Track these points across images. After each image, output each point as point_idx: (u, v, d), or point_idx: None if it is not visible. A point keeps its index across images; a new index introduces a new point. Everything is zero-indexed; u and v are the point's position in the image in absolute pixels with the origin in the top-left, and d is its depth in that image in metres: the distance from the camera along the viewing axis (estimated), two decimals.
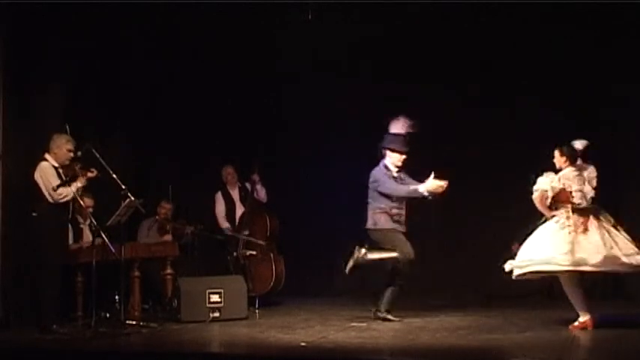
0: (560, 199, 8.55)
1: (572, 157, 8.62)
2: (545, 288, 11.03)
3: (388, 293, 9.11)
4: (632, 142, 10.60)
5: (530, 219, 11.07)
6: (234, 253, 10.60)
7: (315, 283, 11.19)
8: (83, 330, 8.55)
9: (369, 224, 9.21)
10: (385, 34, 10.79)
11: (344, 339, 8.08)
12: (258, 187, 10.78)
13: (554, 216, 8.53)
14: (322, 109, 11.22)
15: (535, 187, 8.57)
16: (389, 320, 9.02)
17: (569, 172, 8.57)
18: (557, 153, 8.68)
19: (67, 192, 8.62)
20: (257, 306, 10.18)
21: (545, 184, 8.54)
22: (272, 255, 10.57)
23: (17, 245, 9.02)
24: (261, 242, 10.49)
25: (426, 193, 8.98)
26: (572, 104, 10.71)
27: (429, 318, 9.24)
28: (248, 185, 10.82)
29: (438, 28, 10.67)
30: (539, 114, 10.84)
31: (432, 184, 8.94)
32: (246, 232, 10.62)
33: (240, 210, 10.84)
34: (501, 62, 10.77)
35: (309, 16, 9.72)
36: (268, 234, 10.62)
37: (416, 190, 9.00)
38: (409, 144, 9.19)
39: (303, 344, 7.75)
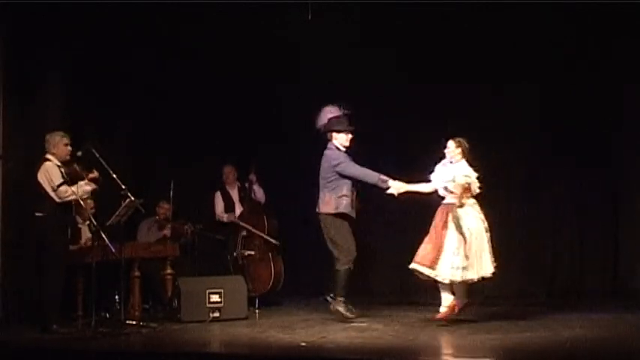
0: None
1: (466, 150, 8.71)
2: (545, 288, 11.07)
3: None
4: (634, 145, 10.62)
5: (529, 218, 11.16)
6: (234, 253, 10.61)
7: (315, 283, 11.18)
8: (83, 330, 8.55)
9: (329, 208, 9.06)
10: (385, 33, 10.79)
11: (344, 339, 8.08)
12: (256, 187, 10.79)
13: (462, 205, 8.59)
14: (322, 109, 11.21)
15: (472, 176, 8.62)
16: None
17: (466, 164, 8.68)
18: (453, 144, 8.73)
19: (73, 191, 8.60)
20: (257, 306, 10.19)
21: (472, 173, 8.64)
22: (270, 255, 10.57)
23: (18, 245, 9.02)
24: (265, 236, 10.49)
25: (392, 190, 8.91)
26: (572, 106, 10.74)
27: (429, 318, 9.23)
28: (246, 185, 10.83)
29: (439, 27, 10.67)
30: (538, 115, 10.86)
31: (402, 186, 8.90)
32: (244, 233, 10.63)
33: (239, 210, 10.84)
34: (502, 62, 10.76)
35: (309, 16, 9.71)
36: (266, 233, 10.62)
37: (385, 181, 8.90)
38: (352, 124, 9.20)
39: (303, 344, 7.75)
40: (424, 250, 8.65)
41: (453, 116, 10.96)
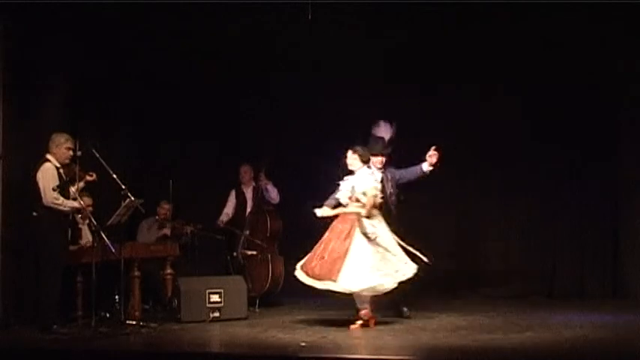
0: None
1: (364, 156, 8.83)
2: (545, 288, 11.07)
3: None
4: (634, 145, 10.61)
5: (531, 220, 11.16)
6: (234, 253, 10.61)
7: None
8: (83, 330, 8.55)
9: None
10: (385, 33, 10.78)
11: (344, 339, 8.08)
12: (269, 187, 10.74)
13: (369, 216, 8.65)
14: (323, 109, 11.22)
15: (376, 188, 8.70)
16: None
17: (366, 172, 8.78)
18: (350, 153, 8.83)
19: (63, 202, 8.62)
20: (257, 306, 10.18)
21: (377, 184, 8.76)
22: (270, 256, 10.56)
23: (17, 245, 9.02)
24: (258, 242, 10.49)
25: (317, 212, 8.94)
26: (572, 106, 10.75)
27: (429, 318, 9.24)
28: (259, 185, 10.81)
29: (439, 27, 10.65)
30: (539, 115, 10.86)
31: (325, 212, 8.87)
32: (247, 232, 10.64)
33: (250, 209, 10.86)
34: (502, 63, 10.76)
35: (309, 16, 9.71)
36: (268, 234, 10.61)
37: (319, 205, 8.99)
38: (386, 147, 9.21)
39: (303, 344, 7.74)
40: (320, 263, 8.65)
41: (453, 116, 10.98)
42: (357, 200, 8.68)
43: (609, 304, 10.12)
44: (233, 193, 10.95)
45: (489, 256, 11.11)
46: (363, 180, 8.74)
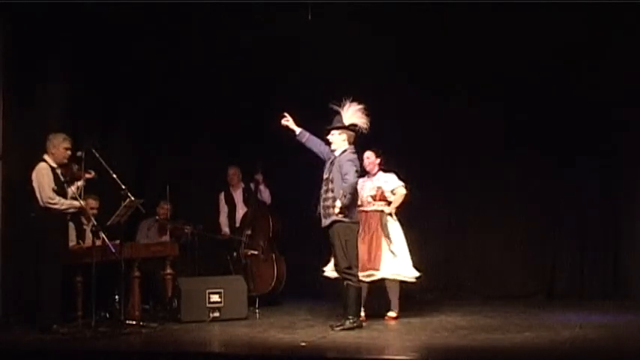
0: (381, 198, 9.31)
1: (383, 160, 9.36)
2: (545, 288, 11.07)
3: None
4: (634, 145, 10.62)
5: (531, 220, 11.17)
6: (235, 253, 10.62)
7: (315, 284, 11.17)
8: (83, 330, 8.54)
9: None
10: (385, 33, 10.79)
11: (344, 339, 8.08)
12: (262, 187, 10.77)
13: (391, 213, 9.30)
14: (323, 109, 11.20)
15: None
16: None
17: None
18: (373, 154, 9.33)
19: (60, 201, 8.61)
20: (257, 306, 10.18)
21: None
22: (274, 255, 10.58)
23: (17, 245, 9.02)
24: (260, 242, 10.50)
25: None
26: (572, 106, 10.75)
27: (429, 318, 9.25)
28: (252, 185, 10.82)
29: (438, 28, 10.66)
30: (538, 116, 10.85)
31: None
32: (248, 232, 10.64)
33: (241, 211, 10.84)
34: (503, 64, 10.75)
35: (309, 16, 9.71)
36: (270, 234, 10.63)
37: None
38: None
39: (303, 344, 7.75)
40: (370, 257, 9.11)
41: (452, 116, 10.98)
42: (384, 198, 9.20)
43: (609, 304, 10.11)
44: (222, 197, 10.95)
45: (489, 256, 11.10)
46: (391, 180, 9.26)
